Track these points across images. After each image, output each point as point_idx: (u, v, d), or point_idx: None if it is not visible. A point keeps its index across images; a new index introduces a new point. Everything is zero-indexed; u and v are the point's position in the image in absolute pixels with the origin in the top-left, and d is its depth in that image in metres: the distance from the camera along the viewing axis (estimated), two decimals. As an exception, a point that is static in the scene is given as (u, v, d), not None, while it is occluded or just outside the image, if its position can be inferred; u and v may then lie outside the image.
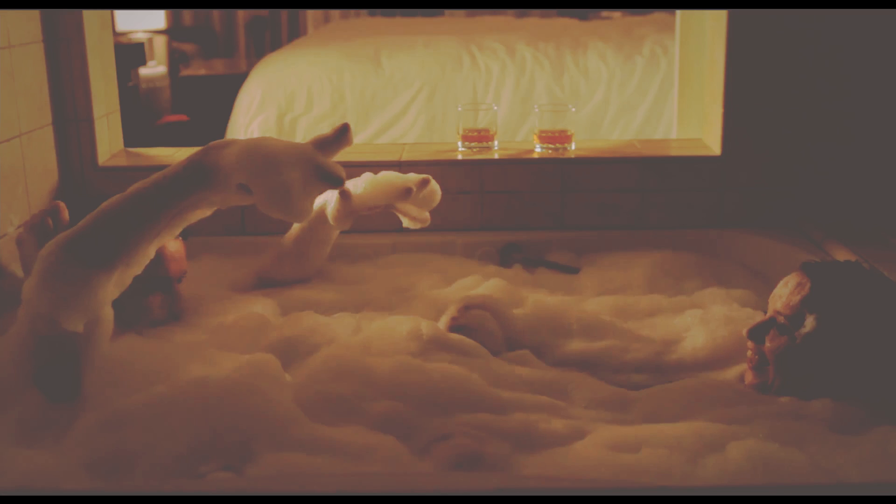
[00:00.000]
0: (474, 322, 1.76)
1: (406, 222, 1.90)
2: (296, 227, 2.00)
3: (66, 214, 1.73)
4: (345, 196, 1.83)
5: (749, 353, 1.59)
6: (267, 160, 1.39)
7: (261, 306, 1.92)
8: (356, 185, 1.86)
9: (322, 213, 1.92)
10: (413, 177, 1.86)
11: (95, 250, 1.42)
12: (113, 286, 1.47)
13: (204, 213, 1.51)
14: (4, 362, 1.49)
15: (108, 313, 1.52)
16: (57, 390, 1.45)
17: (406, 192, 1.82)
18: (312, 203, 1.43)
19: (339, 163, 1.47)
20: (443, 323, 1.77)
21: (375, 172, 1.89)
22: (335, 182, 1.41)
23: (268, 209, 1.40)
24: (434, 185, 1.87)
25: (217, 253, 2.15)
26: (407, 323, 1.71)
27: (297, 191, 1.38)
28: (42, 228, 1.71)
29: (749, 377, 1.59)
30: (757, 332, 1.57)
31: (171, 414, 1.37)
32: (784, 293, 1.55)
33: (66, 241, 1.42)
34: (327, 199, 1.91)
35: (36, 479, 1.26)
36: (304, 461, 1.30)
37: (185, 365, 1.56)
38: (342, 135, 1.45)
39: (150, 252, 1.49)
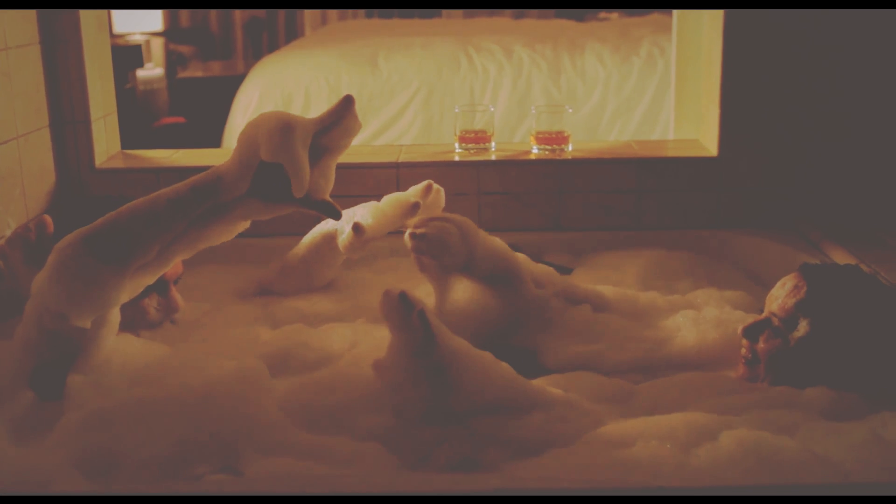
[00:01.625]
0: (436, 233, 1.75)
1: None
2: (303, 245, 2.00)
3: (51, 228, 1.74)
4: (358, 230, 1.83)
5: (743, 350, 1.60)
6: (264, 117, 1.46)
7: (258, 313, 1.92)
8: (364, 217, 1.86)
9: (331, 238, 1.93)
10: (415, 190, 1.87)
11: (111, 247, 1.43)
12: (125, 289, 1.47)
13: (226, 229, 1.51)
14: (6, 359, 1.49)
15: (115, 316, 1.53)
16: (49, 389, 1.45)
17: (413, 208, 1.83)
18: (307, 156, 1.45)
19: (338, 164, 1.48)
20: (407, 234, 1.77)
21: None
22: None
23: (271, 153, 1.42)
24: (436, 188, 1.88)
25: (217, 256, 2.15)
26: None
27: (298, 133, 1.41)
28: (26, 241, 1.73)
29: (740, 372, 1.60)
30: (752, 331, 1.57)
31: (161, 416, 1.38)
32: (780, 295, 1.56)
33: (83, 235, 1.43)
34: (338, 228, 1.91)
35: (27, 480, 1.26)
36: (293, 465, 1.30)
37: (177, 369, 1.56)
38: (345, 107, 1.46)
39: (167, 260, 1.49)
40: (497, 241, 1.83)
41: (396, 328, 1.47)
